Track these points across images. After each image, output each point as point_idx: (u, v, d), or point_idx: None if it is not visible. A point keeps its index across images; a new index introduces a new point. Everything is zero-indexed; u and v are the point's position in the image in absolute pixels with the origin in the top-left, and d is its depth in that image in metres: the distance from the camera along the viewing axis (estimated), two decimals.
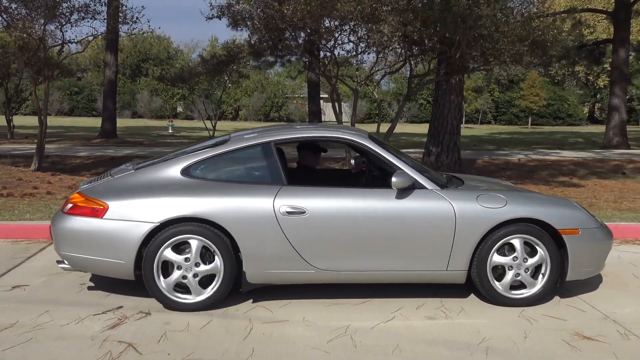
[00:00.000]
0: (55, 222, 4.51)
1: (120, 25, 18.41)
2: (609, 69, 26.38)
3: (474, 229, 4.42)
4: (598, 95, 54.47)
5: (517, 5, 9.99)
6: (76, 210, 4.39)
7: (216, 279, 4.34)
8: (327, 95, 42.31)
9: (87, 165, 12.73)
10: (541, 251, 4.52)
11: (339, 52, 10.18)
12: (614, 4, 21.59)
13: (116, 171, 4.88)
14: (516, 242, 4.49)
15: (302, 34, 10.17)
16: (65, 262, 4.49)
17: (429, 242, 4.43)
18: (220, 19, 10.21)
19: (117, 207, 4.29)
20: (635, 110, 51.68)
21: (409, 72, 10.64)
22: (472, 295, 4.74)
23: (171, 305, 4.32)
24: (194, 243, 4.27)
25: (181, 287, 4.36)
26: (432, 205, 4.44)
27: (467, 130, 36.95)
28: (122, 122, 33.33)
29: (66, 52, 18.22)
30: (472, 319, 4.28)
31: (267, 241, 4.31)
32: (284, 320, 4.19)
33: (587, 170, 13.43)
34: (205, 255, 4.32)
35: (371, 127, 32.56)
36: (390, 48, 10.08)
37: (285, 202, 4.34)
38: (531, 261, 4.52)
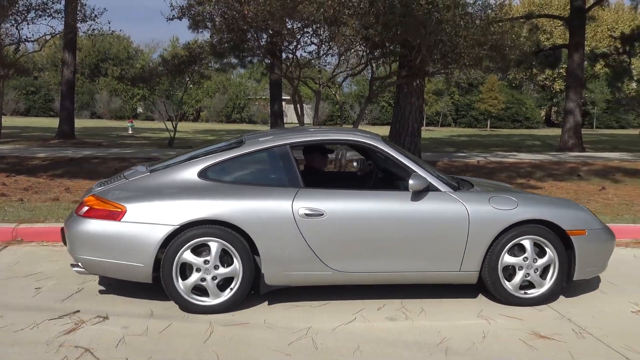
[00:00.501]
0: (70, 225, 4.43)
1: (79, 24, 18.13)
2: (564, 73, 27.04)
3: (487, 231, 4.52)
4: (554, 99, 55.73)
5: (477, 10, 10.15)
6: (93, 213, 4.33)
7: (234, 281, 4.34)
8: (289, 97, 42.39)
9: (45, 167, 12.45)
10: (550, 252, 4.63)
11: (301, 54, 10.21)
12: (569, 10, 22.10)
13: (130, 174, 4.82)
14: (526, 243, 4.60)
15: (265, 36, 10.15)
16: (80, 265, 4.42)
17: (444, 243, 4.51)
18: (181, 20, 10.12)
19: (135, 210, 4.26)
20: (590, 114, 53.00)
21: (370, 75, 10.71)
22: (432, 296, 4.79)
23: (189, 308, 4.30)
24: (214, 245, 4.27)
25: (199, 290, 4.33)
26: (446, 207, 4.52)
27: (428, 132, 37.36)
28: (80, 123, 32.71)
29: (22, 51, 17.84)
30: (432, 319, 4.33)
31: (285, 243, 4.33)
32: (245, 323, 4.17)
33: (544, 173, 13.71)
34: (224, 258, 4.31)
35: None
36: (352, 51, 10.13)
37: (303, 204, 4.37)
38: (540, 261, 4.63)
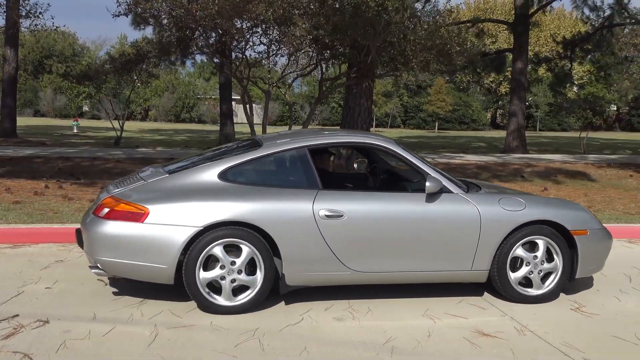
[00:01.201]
0: (90, 226, 4.38)
1: (21, 20, 17.57)
2: (509, 77, 27.68)
3: (497, 231, 4.70)
4: (500, 102, 57.00)
5: (425, 14, 10.29)
6: (114, 215, 4.30)
7: (257, 280, 4.38)
8: (239, 97, 42.10)
9: None
10: (555, 251, 4.84)
11: (250, 54, 10.15)
12: (514, 16, 22.64)
13: (147, 175, 4.79)
14: (540, 242, 4.81)
15: (213, 35, 10.05)
16: (99, 266, 4.37)
17: (456, 243, 4.66)
18: (127, 17, 9.92)
19: (157, 212, 4.26)
20: (534, 117, 54.42)
21: (320, 76, 10.73)
22: (379, 296, 4.83)
23: (211, 308, 4.33)
24: (245, 249, 4.33)
25: (216, 290, 4.37)
26: (459, 208, 4.68)
27: (377, 133, 37.64)
28: (23, 121, 31.74)
29: None
30: (379, 319, 4.37)
31: (306, 244, 4.40)
32: (191, 325, 4.12)
33: (490, 174, 14.01)
34: (239, 254, 4.35)
35: (283, 129, 32.61)
36: (302, 51, 10.14)
37: (323, 205, 4.45)
38: (545, 258, 4.84)
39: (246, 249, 4.32)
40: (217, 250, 4.29)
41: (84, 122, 38.61)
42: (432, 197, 4.68)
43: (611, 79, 52.42)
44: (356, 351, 3.78)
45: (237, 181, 4.53)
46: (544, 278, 4.90)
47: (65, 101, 49.81)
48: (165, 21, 9.47)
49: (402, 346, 3.88)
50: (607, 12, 23.64)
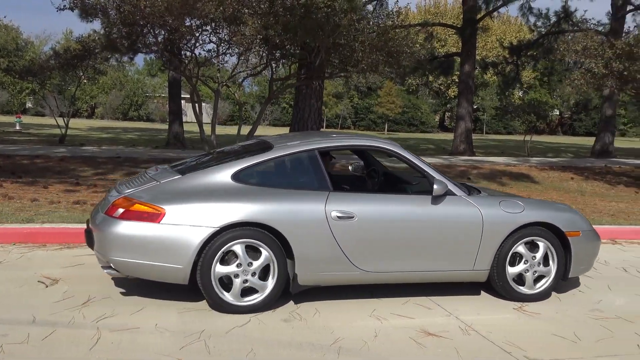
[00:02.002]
0: (103, 226, 4.36)
1: None
2: (457, 80, 28.20)
3: (498, 232, 4.88)
4: (448, 105, 57.98)
5: (375, 16, 10.37)
6: (129, 215, 4.29)
7: (266, 286, 4.42)
8: (188, 95, 41.51)
9: None
10: (549, 250, 5.04)
11: (200, 52, 10.03)
12: (462, 20, 23.05)
13: (158, 175, 4.79)
14: (541, 245, 5.01)
15: (162, 32, 9.89)
16: (112, 266, 4.36)
17: (461, 243, 4.82)
18: (73, 11, 9.67)
19: (174, 212, 4.27)
20: (481, 120, 55.54)
21: (270, 76, 10.70)
22: (327, 297, 4.83)
23: (222, 307, 4.36)
24: (264, 253, 4.38)
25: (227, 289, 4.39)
26: (463, 210, 4.85)
27: None
28: None
29: None
30: (326, 320, 4.37)
31: (318, 245, 4.49)
32: (135, 327, 4.04)
33: None
34: (254, 256, 4.40)
35: (233, 129, 32.37)
36: (252, 50, 10.08)
37: (335, 207, 4.54)
38: (540, 258, 5.03)
39: (265, 254, 4.39)
40: (238, 248, 4.33)
41: (27, 119, 37.42)
42: (437, 199, 4.83)
43: (554, 84, 53.99)
44: (303, 352, 3.77)
45: (250, 182, 4.59)
46: (537, 280, 5.08)
47: (8, 97, 48.23)
48: (113, 16, 9.26)
49: (349, 346, 3.89)
50: (553, 19, 24.35)
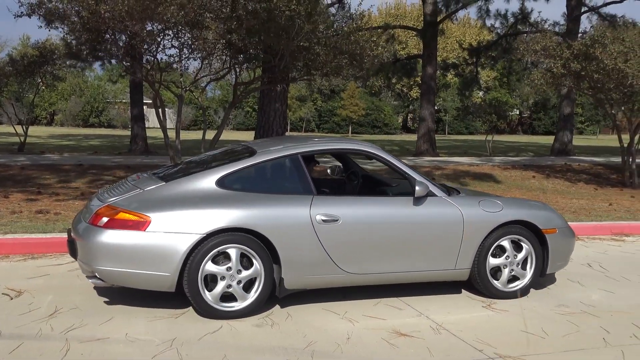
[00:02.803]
0: (87, 236, 4.31)
1: None
2: (419, 82, 28.54)
3: (479, 231, 4.98)
4: (410, 106, 58.51)
5: (338, 19, 10.41)
6: (114, 224, 4.26)
7: (256, 285, 4.44)
8: (150, 101, 41.01)
9: None
10: (528, 248, 5.16)
11: (162, 57, 9.91)
12: (422, 23, 23.31)
13: (141, 183, 4.77)
14: (506, 243, 5.11)
15: (123, 37, 9.75)
16: (97, 276, 4.32)
17: (443, 243, 4.91)
18: (30, 17, 9.45)
19: (160, 220, 4.26)
20: (443, 121, 56.17)
21: (234, 80, 10.64)
22: (298, 302, 4.83)
23: (215, 314, 4.35)
24: (234, 252, 4.37)
25: (226, 297, 4.42)
26: (444, 210, 4.93)
27: None
28: None
29: None
30: (298, 324, 4.37)
31: (304, 249, 4.51)
32: (105, 337, 3.97)
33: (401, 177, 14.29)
34: (245, 263, 4.42)
35: (196, 134, 32.12)
36: (215, 55, 10.02)
37: (319, 210, 4.58)
38: (520, 256, 5.15)
39: (256, 265, 4.42)
40: (232, 253, 4.36)
41: None
42: (419, 200, 4.90)
43: (513, 84, 54.95)
44: (277, 357, 3.76)
45: (235, 188, 4.59)
46: (511, 280, 5.19)
47: None
48: (73, 22, 9.08)
49: (322, 349, 3.90)
50: (511, 21, 24.80)
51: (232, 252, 4.37)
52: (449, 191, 5.28)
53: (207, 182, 4.58)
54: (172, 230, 4.25)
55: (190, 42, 9.41)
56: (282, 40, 9.20)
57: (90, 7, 8.37)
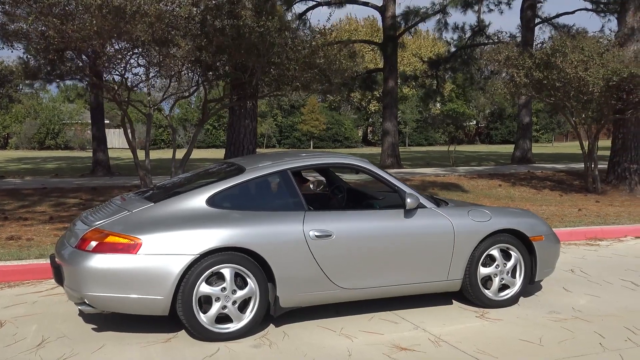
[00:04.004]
0: (75, 261, 4.15)
1: None
2: (378, 95, 28.82)
3: (469, 241, 4.98)
4: (370, 120, 58.92)
5: (307, 34, 10.40)
6: (103, 248, 4.11)
7: (251, 305, 4.35)
8: (108, 121, 40.25)
9: None
10: (516, 256, 5.19)
11: (128, 76, 9.72)
12: (382, 37, 23.56)
13: (127, 204, 4.62)
14: (496, 252, 5.12)
15: (88, 56, 9.54)
16: (87, 302, 4.14)
17: (435, 255, 4.88)
18: None
19: (151, 242, 4.12)
20: (402, 133, 56.71)
21: (204, 97, 10.52)
22: (292, 320, 4.74)
23: (211, 337, 4.23)
24: (228, 272, 4.25)
25: (221, 318, 4.30)
26: (434, 222, 4.92)
27: None
28: None
29: None
30: (296, 343, 4.29)
31: (299, 266, 4.43)
32: None
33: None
34: (239, 282, 4.31)
35: (157, 154, 31.67)
36: (184, 73, 9.89)
37: (312, 226, 4.51)
38: (509, 265, 5.18)
39: (250, 285, 4.32)
40: (227, 273, 4.25)
41: None
42: (410, 213, 4.88)
43: (469, 95, 55.92)
44: None
45: (225, 206, 4.49)
46: (502, 288, 5.20)
47: None
48: (35, 43, 8.84)
49: None
50: (469, 33, 25.30)
51: (227, 272, 4.26)
52: (437, 202, 5.27)
53: (197, 201, 4.47)
54: (164, 252, 4.13)
55: (159, 60, 9.26)
56: (253, 57, 9.15)
57: (56, 27, 8.16)
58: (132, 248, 4.10)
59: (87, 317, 4.73)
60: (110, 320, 4.64)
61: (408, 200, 4.80)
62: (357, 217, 4.76)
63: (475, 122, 60.57)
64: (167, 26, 8.70)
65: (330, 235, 4.55)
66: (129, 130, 9.99)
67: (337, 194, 5.98)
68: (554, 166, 20.63)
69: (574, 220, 9.36)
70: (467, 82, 30.91)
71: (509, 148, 43.84)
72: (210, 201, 4.48)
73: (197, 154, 39.60)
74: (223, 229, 4.27)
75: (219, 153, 34.44)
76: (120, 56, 9.16)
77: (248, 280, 4.33)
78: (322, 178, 6.35)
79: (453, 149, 25.40)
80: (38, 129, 44.65)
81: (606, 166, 15.19)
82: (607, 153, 15.53)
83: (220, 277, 4.27)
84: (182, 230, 4.21)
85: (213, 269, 4.22)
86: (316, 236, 4.50)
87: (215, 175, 5.11)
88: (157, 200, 4.57)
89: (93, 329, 4.51)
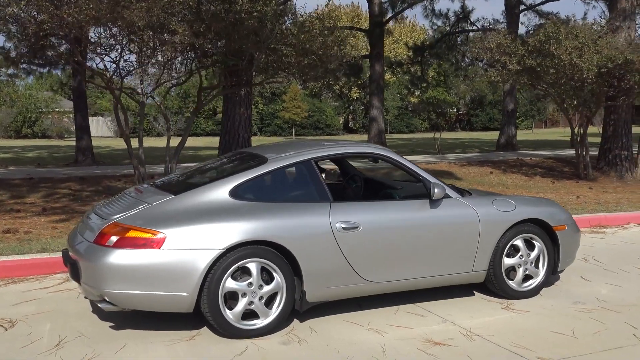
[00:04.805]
0: (95, 257, 3.95)
1: None
2: (359, 82, 28.68)
3: (494, 231, 4.87)
4: (351, 107, 58.78)
5: (305, 20, 10.17)
6: (125, 243, 3.92)
7: (277, 300, 4.19)
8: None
9: None
10: (540, 246, 5.10)
11: (122, 64, 9.42)
12: (369, 23, 23.35)
13: (146, 197, 4.43)
14: (519, 242, 5.02)
15: (80, 42, 9.23)
16: (107, 299, 3.95)
17: (460, 246, 4.76)
18: None
19: (174, 236, 3.94)
20: (385, 120, 56.73)
21: (199, 85, 10.26)
22: (316, 315, 4.59)
23: (237, 334, 4.08)
24: (254, 266, 4.10)
25: (246, 314, 4.14)
26: (460, 212, 4.80)
27: None
28: None
29: None
30: (326, 339, 4.14)
31: (325, 259, 4.29)
32: None
33: None
34: (265, 277, 4.16)
35: (137, 143, 31.12)
36: (181, 59, 9.63)
37: (339, 218, 4.36)
38: (533, 255, 5.07)
39: (277, 280, 4.16)
40: (253, 267, 4.10)
41: None
42: (436, 203, 4.75)
43: (450, 82, 56.04)
44: None
45: (249, 198, 4.31)
46: (525, 279, 5.10)
47: None
48: (25, 29, 8.51)
49: None
50: (453, 19, 25.23)
51: (253, 266, 4.10)
52: (461, 192, 5.14)
53: (220, 193, 4.29)
54: (189, 247, 3.94)
55: (154, 46, 8.99)
56: (251, 43, 8.92)
57: (49, 11, 7.86)
58: (155, 243, 3.92)
59: (102, 315, 4.54)
60: (127, 317, 4.46)
61: (436, 190, 4.66)
62: (383, 208, 4.62)
63: (455, 109, 60.74)
64: (163, 11, 8.44)
65: (357, 227, 4.41)
66: (122, 119, 9.72)
67: (351, 184, 5.83)
68: (540, 153, 20.68)
69: (576, 208, 9.32)
70: (451, 69, 30.83)
71: (490, 135, 44.08)
72: (234, 193, 4.30)
73: (176, 142, 39.15)
74: (249, 221, 4.10)
75: (201, 141, 34.09)
76: (114, 42, 8.87)
77: (274, 274, 4.17)
78: (336, 168, 6.18)
79: (439, 136, 25.32)
80: (14, 118, 43.77)
81: (596, 153, 15.25)
82: (594, 140, 15.58)
83: (245, 271, 4.11)
84: (207, 224, 4.03)
85: (239, 263, 4.05)
86: (343, 228, 4.35)
87: (232, 165, 4.93)
88: (177, 192, 4.37)
89: (111, 327, 4.32)
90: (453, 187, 5.20)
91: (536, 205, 5.19)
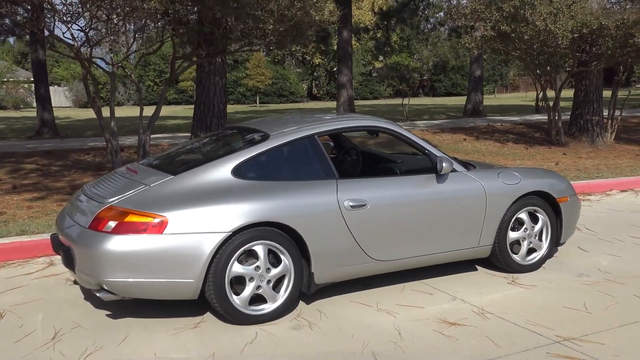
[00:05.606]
0: (91, 244, 3.68)
1: None
2: (322, 48, 28.34)
3: (500, 205, 4.77)
4: (315, 73, 58.24)
5: None
6: (124, 228, 3.66)
7: (285, 283, 4.02)
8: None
9: None
10: (544, 218, 5.02)
11: (92, 33, 8.95)
12: None
13: (142, 177, 4.16)
14: (524, 215, 4.94)
15: (43, 9, 8.74)
16: (106, 288, 3.71)
17: (467, 220, 4.65)
18: None
19: (177, 220, 3.71)
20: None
21: (172, 54, 9.84)
22: (321, 297, 4.42)
23: (244, 320, 3.90)
24: (261, 249, 3.91)
25: (253, 299, 3.96)
26: (467, 186, 4.66)
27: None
28: None
29: None
30: (337, 322, 3.98)
31: (334, 239, 4.13)
32: None
33: None
34: (272, 259, 3.99)
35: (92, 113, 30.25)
36: (153, 27, 9.20)
37: (346, 196, 4.20)
38: (537, 228, 5.01)
39: (285, 262, 3.99)
40: (260, 250, 3.90)
41: None
42: (442, 177, 4.62)
43: (413, 47, 55.95)
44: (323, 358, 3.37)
45: (253, 177, 4.09)
46: (529, 252, 5.03)
47: None
48: None
49: (381, 351, 3.53)
50: None
51: (259, 249, 3.90)
52: (466, 165, 5.00)
53: (223, 172, 4.04)
54: (193, 231, 3.71)
55: (126, 13, 8.54)
56: (229, 9, 8.55)
57: None
58: (157, 227, 3.68)
59: (96, 303, 4.29)
60: (124, 305, 4.22)
61: (444, 164, 4.50)
62: (390, 184, 4.43)
63: (418, 74, 60.73)
64: None
65: (365, 205, 4.23)
66: (91, 89, 9.28)
67: (347, 158, 5.63)
68: (509, 119, 20.75)
69: None
70: (414, 34, 30.70)
71: (454, 100, 44.27)
72: (237, 171, 4.06)
73: (145, 111, 38.17)
74: (255, 202, 3.88)
75: (165, 110, 33.26)
76: (82, 9, 8.40)
77: (282, 257, 3.98)
78: (329, 141, 5.96)
79: (407, 102, 25.22)
80: None
81: (566, 119, 15.33)
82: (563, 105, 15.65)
83: (251, 254, 3.91)
84: (211, 206, 3.80)
85: (246, 246, 3.84)
86: (351, 206, 4.17)
87: (229, 142, 4.68)
88: (176, 171, 4.11)
89: (108, 315, 4.08)
90: (458, 160, 5.06)
91: (540, 177, 5.09)
